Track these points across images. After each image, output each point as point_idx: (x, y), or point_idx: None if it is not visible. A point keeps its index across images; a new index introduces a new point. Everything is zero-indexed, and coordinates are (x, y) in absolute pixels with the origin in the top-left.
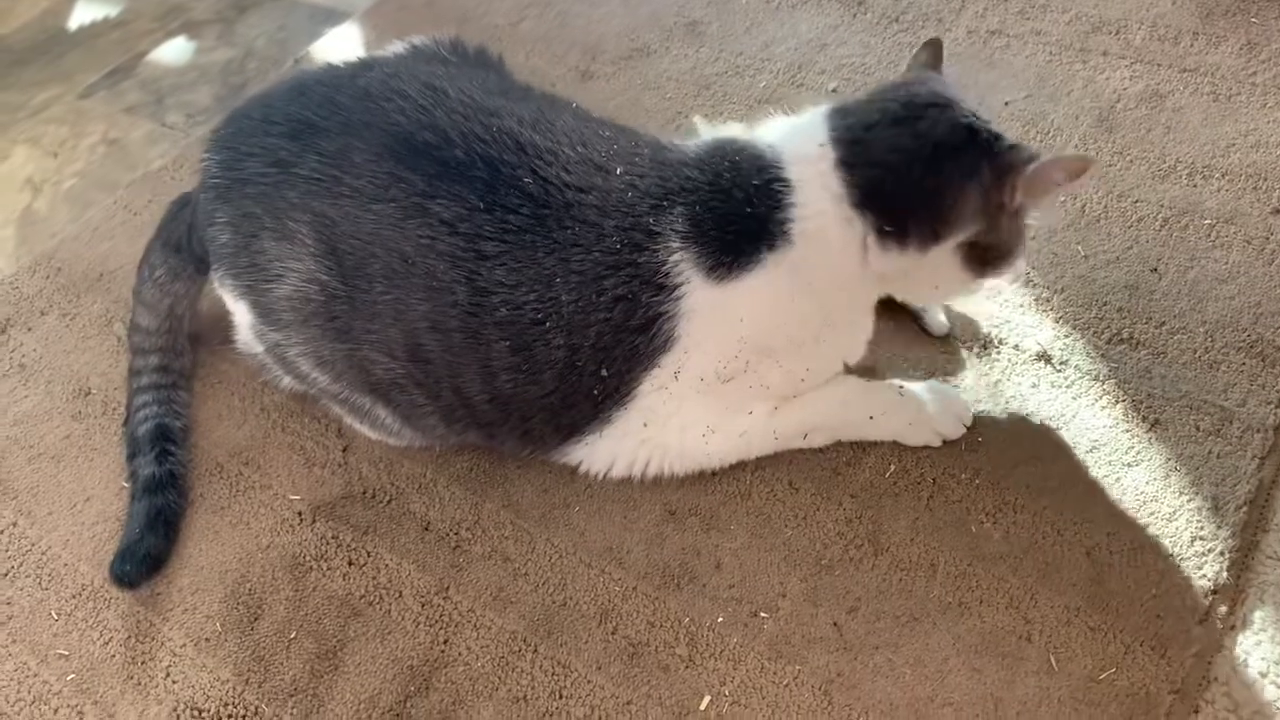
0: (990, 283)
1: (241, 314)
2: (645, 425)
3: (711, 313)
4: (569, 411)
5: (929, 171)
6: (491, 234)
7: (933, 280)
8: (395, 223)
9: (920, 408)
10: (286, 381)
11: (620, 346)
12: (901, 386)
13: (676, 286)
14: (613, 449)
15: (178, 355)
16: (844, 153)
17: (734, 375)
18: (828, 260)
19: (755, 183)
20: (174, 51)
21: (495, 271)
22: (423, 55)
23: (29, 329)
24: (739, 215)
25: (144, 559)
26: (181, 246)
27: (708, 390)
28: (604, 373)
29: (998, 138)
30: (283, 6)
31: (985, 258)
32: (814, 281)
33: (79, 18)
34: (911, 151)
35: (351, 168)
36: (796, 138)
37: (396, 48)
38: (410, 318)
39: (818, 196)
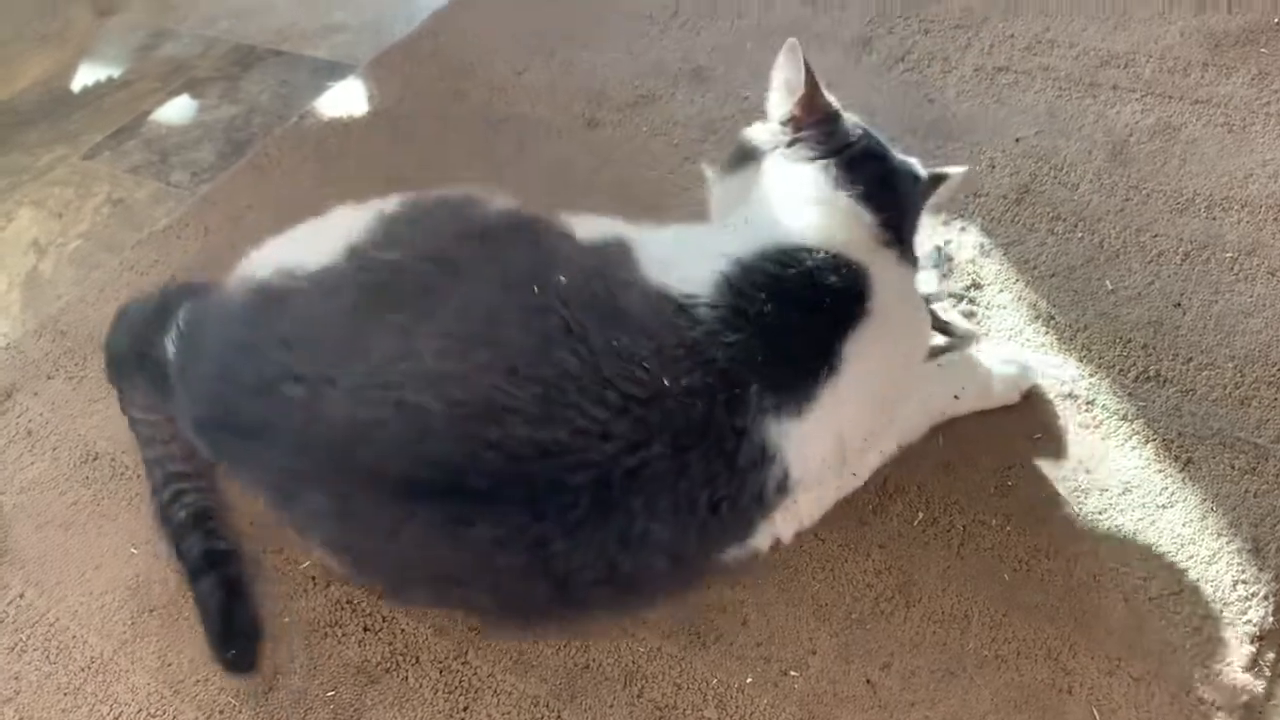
0: None
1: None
2: None
3: (809, 434)
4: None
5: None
6: (559, 532)
7: None
8: (430, 549)
9: (989, 366)
10: None
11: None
12: (955, 356)
13: (775, 456)
14: None
15: None
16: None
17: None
18: (902, 310)
19: (823, 294)
20: (177, 110)
21: (573, 559)
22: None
23: (35, 394)
24: (801, 344)
25: (242, 633)
26: None
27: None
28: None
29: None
30: (285, 62)
31: None
32: (898, 328)
33: (83, 79)
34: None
35: (362, 529)
36: (843, 234)
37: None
38: None
39: (885, 274)
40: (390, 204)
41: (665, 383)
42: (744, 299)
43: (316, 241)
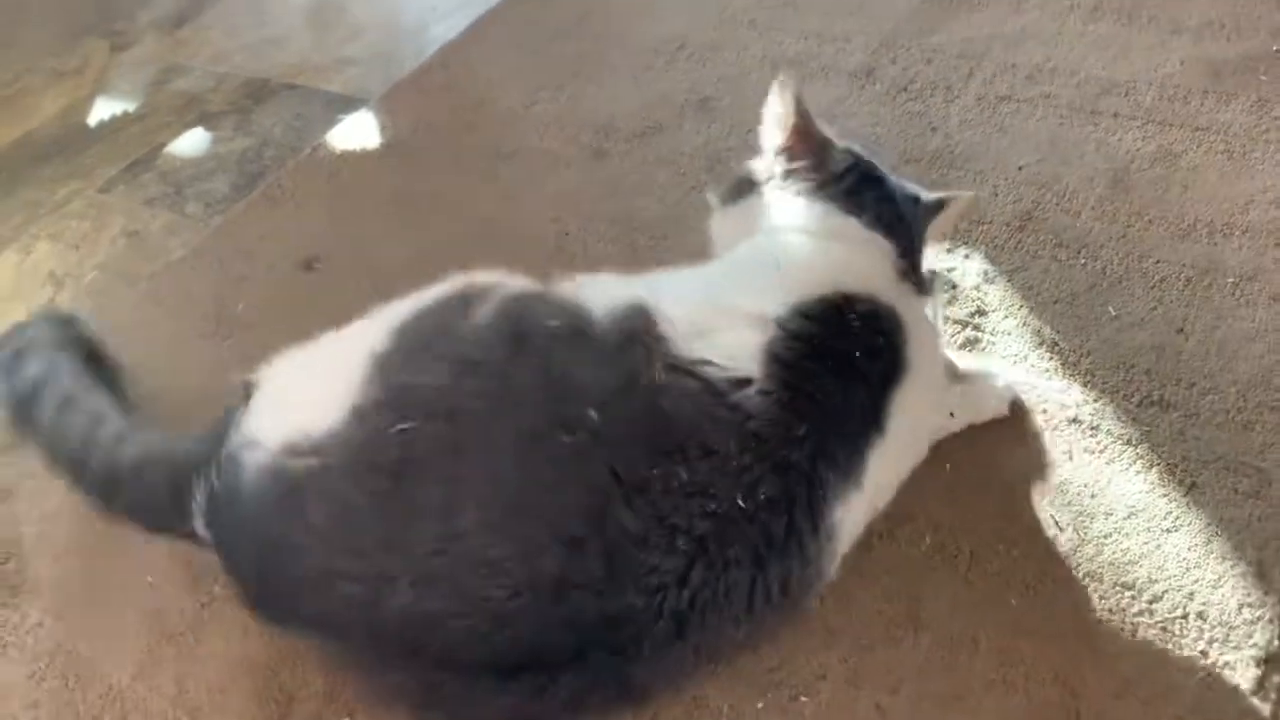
0: None
1: None
2: None
3: (862, 499)
4: None
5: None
6: (640, 661)
7: None
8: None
9: (974, 381)
10: None
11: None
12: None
13: (837, 533)
14: None
15: None
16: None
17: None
18: (931, 352)
19: (870, 355)
20: (191, 143)
21: (654, 679)
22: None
23: None
24: (856, 414)
25: None
26: None
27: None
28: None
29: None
30: (298, 95)
31: None
32: (931, 373)
33: (98, 114)
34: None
35: (437, 701)
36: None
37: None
38: None
39: (912, 314)
40: (379, 337)
41: (740, 503)
42: (795, 375)
43: (317, 394)
